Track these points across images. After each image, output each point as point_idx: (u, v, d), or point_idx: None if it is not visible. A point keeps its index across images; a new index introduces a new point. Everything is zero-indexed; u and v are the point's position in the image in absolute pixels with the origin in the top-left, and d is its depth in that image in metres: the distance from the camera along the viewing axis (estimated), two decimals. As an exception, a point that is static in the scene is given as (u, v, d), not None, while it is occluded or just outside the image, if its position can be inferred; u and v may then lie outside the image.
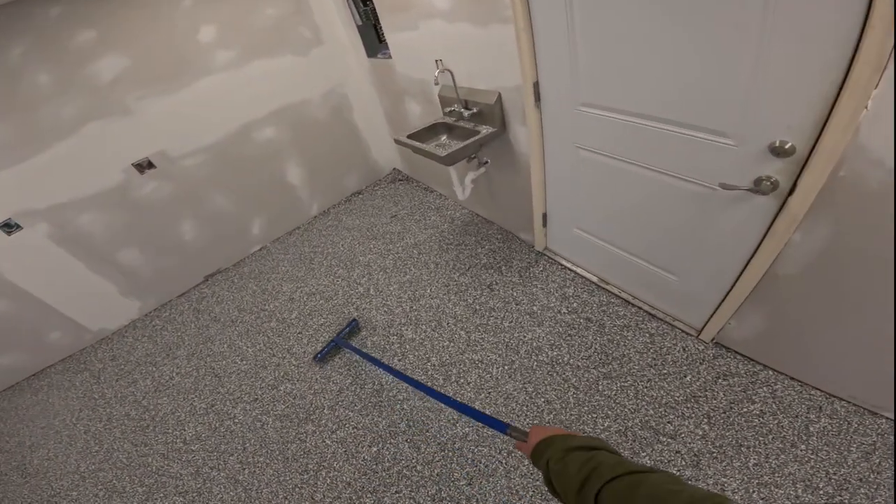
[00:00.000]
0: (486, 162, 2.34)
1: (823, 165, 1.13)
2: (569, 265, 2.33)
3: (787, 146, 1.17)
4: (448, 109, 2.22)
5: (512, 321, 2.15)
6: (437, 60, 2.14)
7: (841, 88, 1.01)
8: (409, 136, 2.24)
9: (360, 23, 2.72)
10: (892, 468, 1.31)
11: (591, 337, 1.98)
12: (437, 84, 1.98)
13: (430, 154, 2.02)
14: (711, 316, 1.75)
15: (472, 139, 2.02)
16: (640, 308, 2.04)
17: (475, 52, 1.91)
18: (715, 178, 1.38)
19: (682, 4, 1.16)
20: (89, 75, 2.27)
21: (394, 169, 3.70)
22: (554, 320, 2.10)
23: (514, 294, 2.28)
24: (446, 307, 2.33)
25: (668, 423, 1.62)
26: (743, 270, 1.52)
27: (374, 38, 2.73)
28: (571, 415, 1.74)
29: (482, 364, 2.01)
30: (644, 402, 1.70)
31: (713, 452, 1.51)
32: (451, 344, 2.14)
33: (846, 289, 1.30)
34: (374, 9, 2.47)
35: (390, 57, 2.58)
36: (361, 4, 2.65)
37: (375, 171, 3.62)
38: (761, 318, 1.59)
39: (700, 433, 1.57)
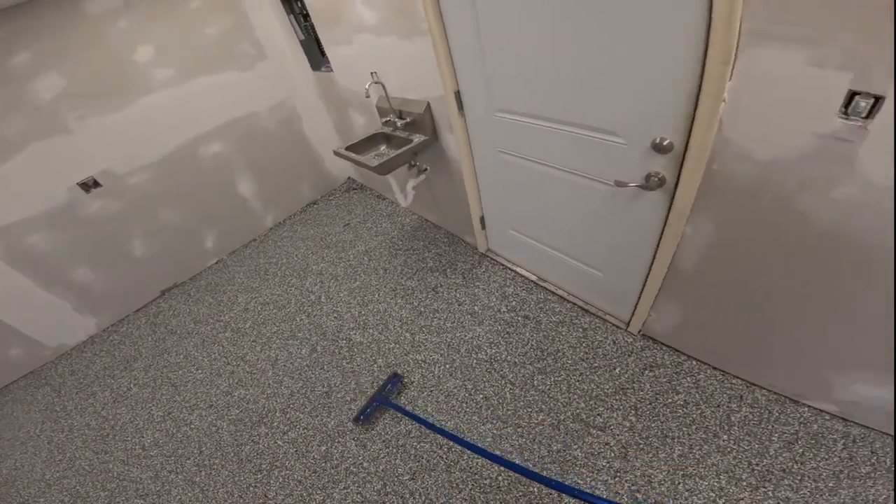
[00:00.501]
0: (426, 169, 2.40)
1: (698, 160, 1.21)
2: (509, 265, 2.39)
3: (665, 142, 1.25)
4: (385, 120, 2.27)
5: (454, 321, 2.20)
6: (371, 73, 2.20)
7: (700, 83, 1.08)
8: (348, 148, 2.29)
9: (302, 38, 2.77)
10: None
11: (527, 334, 2.03)
12: (367, 96, 2.04)
13: (364, 164, 2.07)
14: (635, 309, 1.82)
15: (405, 148, 2.07)
16: (574, 304, 2.10)
17: (404, 64, 1.97)
18: (612, 176, 1.46)
19: (569, 14, 1.24)
20: (29, 95, 2.27)
21: (348, 178, 3.73)
22: (493, 319, 2.15)
23: (457, 295, 2.33)
24: (393, 311, 2.37)
25: (598, 415, 1.68)
26: (651, 264, 1.59)
27: (316, 53, 2.78)
28: (508, 410, 1.78)
29: (425, 364, 2.06)
30: (576, 396, 1.76)
31: (640, 444, 1.56)
32: (397, 346, 2.18)
33: (740, 278, 1.38)
34: (313, 24, 2.52)
35: (332, 70, 2.63)
36: (302, 20, 2.70)
37: (329, 181, 3.66)
38: (676, 309, 1.67)
39: (628, 425, 1.62)
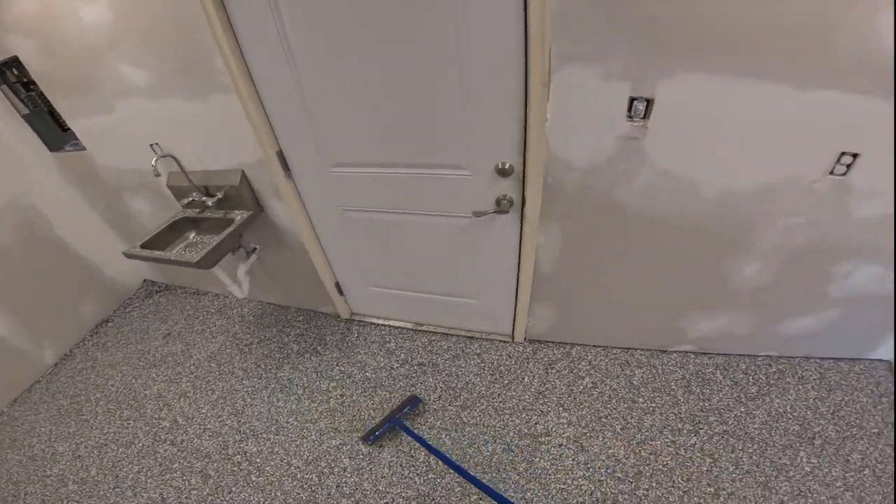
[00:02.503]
0: (255, 248, 2.05)
1: (536, 177, 1.34)
2: (380, 322, 2.23)
3: (507, 166, 1.36)
4: (186, 201, 1.84)
5: (352, 393, 1.93)
6: (152, 145, 1.76)
7: (526, 107, 1.20)
8: (144, 245, 1.77)
9: (26, 111, 2.05)
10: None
11: (431, 379, 1.93)
12: (157, 174, 1.61)
13: (179, 262, 1.64)
14: (514, 320, 1.91)
15: (227, 231, 1.72)
16: (459, 336, 2.09)
17: (200, 130, 1.63)
18: (468, 208, 1.51)
19: (398, 60, 1.23)
20: None
21: (145, 281, 2.91)
22: (391, 377, 1.96)
23: (343, 368, 2.04)
24: (278, 407, 1.94)
25: (536, 423, 1.69)
26: (518, 277, 1.70)
27: (53, 128, 2.09)
28: (457, 455, 1.64)
29: (342, 449, 1.73)
30: (506, 415, 1.73)
31: (586, 433, 1.63)
32: (304, 440, 1.78)
33: (589, 267, 1.59)
34: (42, 93, 1.89)
35: (84, 148, 2.01)
36: (23, 90, 2.01)
37: (119, 290, 2.77)
38: (549, 308, 1.82)
39: (564, 421, 1.68)
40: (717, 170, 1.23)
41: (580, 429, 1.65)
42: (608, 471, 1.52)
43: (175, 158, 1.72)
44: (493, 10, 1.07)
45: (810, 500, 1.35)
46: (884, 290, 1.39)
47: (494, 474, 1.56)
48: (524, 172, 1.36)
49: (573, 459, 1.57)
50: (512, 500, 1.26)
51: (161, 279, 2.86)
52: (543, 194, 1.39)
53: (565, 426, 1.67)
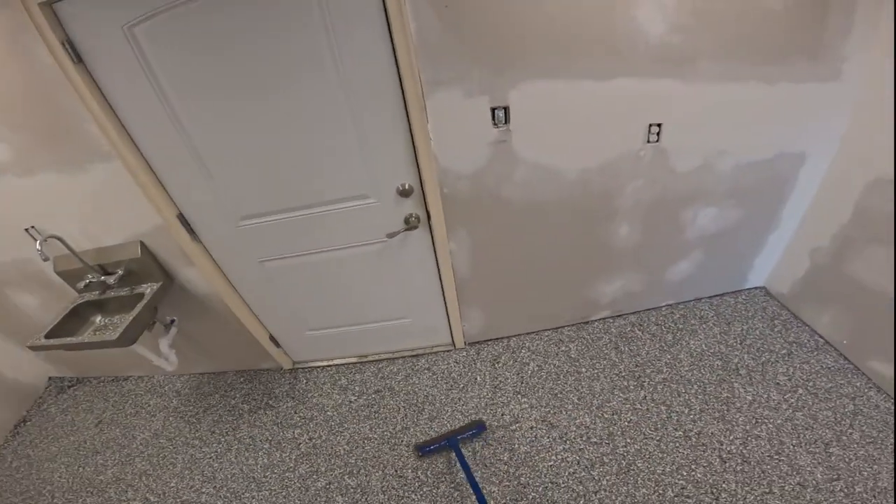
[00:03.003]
0: (174, 320, 1.95)
1: (433, 191, 1.51)
2: (325, 363, 2.21)
3: (406, 186, 1.51)
4: (82, 284, 1.71)
5: (320, 434, 1.90)
6: (27, 230, 1.63)
7: (411, 131, 1.37)
8: (49, 336, 1.62)
9: None
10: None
11: (391, 402, 1.96)
12: (45, 259, 1.49)
13: (96, 344, 1.55)
14: (451, 328, 2.03)
15: (141, 304, 1.62)
16: (404, 357, 2.15)
17: (83, 204, 1.54)
18: (380, 233, 1.62)
19: (283, 101, 1.32)
20: None
21: (50, 378, 2.53)
22: (352, 410, 1.96)
23: (302, 414, 2.00)
24: (249, 464, 1.86)
25: (503, 415, 1.79)
26: (442, 286, 1.83)
27: None
28: (438, 470, 1.67)
29: (331, 488, 1.69)
30: (473, 415, 1.82)
31: (550, 411, 1.77)
32: (290, 489, 1.73)
33: (500, 261, 1.78)
34: None
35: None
36: None
37: (25, 391, 2.40)
38: (478, 309, 1.97)
39: (527, 405, 1.81)
40: (571, 156, 1.49)
41: (543, 409, 1.78)
42: (583, 439, 1.65)
43: (60, 239, 1.60)
44: (364, 52, 1.23)
45: (770, 426, 1.55)
46: (724, 226, 1.76)
47: (484, 470, 1.62)
48: (423, 189, 1.52)
49: (548, 437, 1.68)
50: None
51: (69, 373, 2.53)
52: (444, 205, 1.56)
53: (529, 410, 1.79)
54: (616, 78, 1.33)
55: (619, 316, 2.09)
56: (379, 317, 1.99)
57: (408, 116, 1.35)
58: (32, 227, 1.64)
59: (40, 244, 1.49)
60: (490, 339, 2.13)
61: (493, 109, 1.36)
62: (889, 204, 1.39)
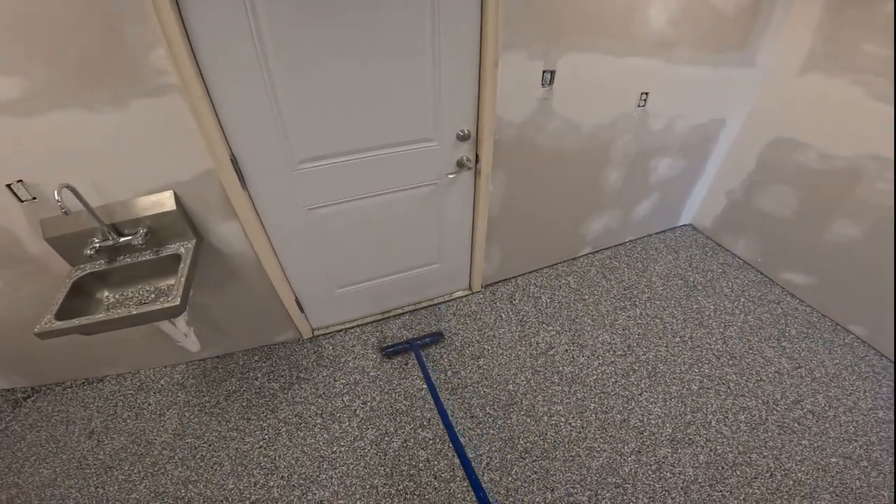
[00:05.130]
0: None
1: (488, 138, 1.72)
2: (347, 326, 2.20)
3: (465, 132, 1.69)
4: (89, 250, 1.43)
5: (373, 397, 1.90)
6: (10, 185, 1.33)
7: (480, 85, 1.58)
8: (59, 317, 1.32)
9: None
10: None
11: (431, 350, 2.08)
12: (66, 213, 1.24)
13: (149, 316, 1.33)
14: (471, 271, 2.25)
15: (183, 266, 1.44)
16: (426, 307, 2.29)
17: (107, 151, 1.33)
18: (434, 175, 1.77)
19: (373, 49, 1.38)
20: None
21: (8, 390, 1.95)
22: (395, 366, 2.02)
23: (345, 380, 1.97)
24: (309, 443, 1.76)
25: (538, 344, 2.10)
26: (474, 227, 2.05)
27: None
28: (504, 396, 1.88)
29: (408, 445, 1.73)
30: (511, 349, 2.08)
31: (574, 334, 2.14)
32: (362, 461, 1.69)
33: (523, 202, 2.07)
34: None
35: None
36: None
37: None
38: (498, 250, 2.24)
39: (554, 332, 2.15)
40: (590, 114, 1.88)
41: (568, 333, 2.13)
42: (610, 353, 2.03)
43: (73, 191, 1.33)
44: (458, 18, 1.41)
45: (735, 328, 2.12)
46: (674, 174, 2.36)
47: (540, 393, 1.87)
48: (478, 136, 1.73)
49: (582, 356, 2.02)
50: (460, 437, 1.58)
51: (22, 383, 1.97)
52: (494, 150, 1.79)
53: (558, 336, 2.12)
54: (628, 56, 1.75)
55: (597, 251, 2.60)
56: (412, 265, 2.10)
57: (479, 72, 1.55)
58: (20, 181, 1.34)
59: (59, 191, 1.24)
60: (500, 281, 2.41)
61: (543, 72, 1.65)
62: (782, 156, 2.12)
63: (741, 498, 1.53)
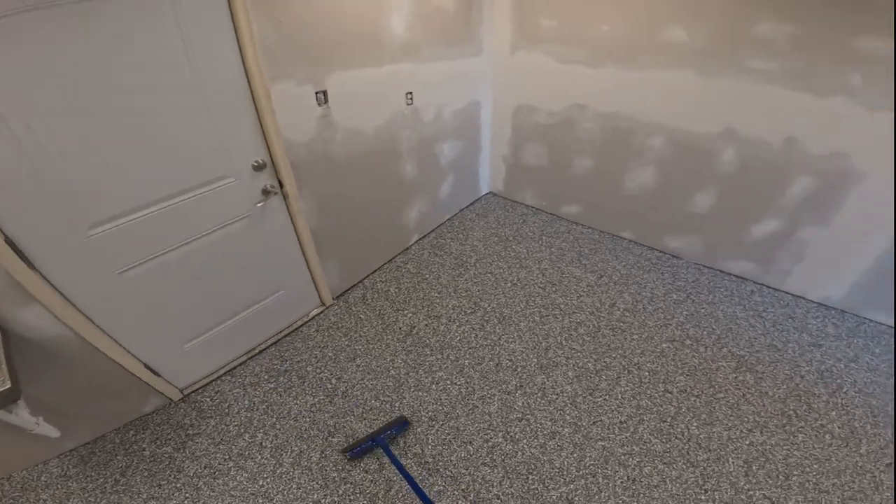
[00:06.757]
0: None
1: (283, 161, 1.92)
2: (215, 376, 2.15)
3: (260, 161, 1.86)
4: None
5: (273, 428, 1.91)
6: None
7: (259, 115, 1.76)
8: None
9: None
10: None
11: (309, 368, 2.17)
12: None
13: None
14: (318, 288, 2.41)
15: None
16: (288, 334, 2.37)
17: None
18: (243, 210, 1.89)
19: (134, 92, 1.43)
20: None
21: None
22: (285, 392, 2.06)
23: (238, 422, 1.94)
24: (236, 489, 1.71)
25: (400, 327, 2.29)
26: (301, 246, 2.22)
27: None
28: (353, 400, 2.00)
29: (325, 457, 1.75)
30: (400, 361, 2.23)
31: (421, 308, 2.38)
32: (293, 484, 1.72)
33: (337, 212, 2.32)
34: None
35: None
36: None
37: None
38: (335, 261, 2.44)
39: (413, 312, 2.35)
40: (367, 119, 2.23)
41: (423, 311, 2.44)
42: (462, 313, 2.41)
43: None
44: (217, 56, 1.55)
45: (546, 261, 2.69)
46: (458, 154, 2.89)
47: (419, 368, 2.11)
48: (273, 162, 1.90)
49: (441, 324, 2.35)
50: None
51: None
52: (294, 172, 1.98)
53: (415, 315, 2.42)
54: (385, 64, 2.15)
55: (424, 236, 3.01)
56: (253, 299, 2.15)
57: (255, 103, 1.74)
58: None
59: None
60: (349, 288, 2.63)
61: (316, 93, 1.92)
62: (525, 120, 2.80)
63: (617, 396, 1.96)
